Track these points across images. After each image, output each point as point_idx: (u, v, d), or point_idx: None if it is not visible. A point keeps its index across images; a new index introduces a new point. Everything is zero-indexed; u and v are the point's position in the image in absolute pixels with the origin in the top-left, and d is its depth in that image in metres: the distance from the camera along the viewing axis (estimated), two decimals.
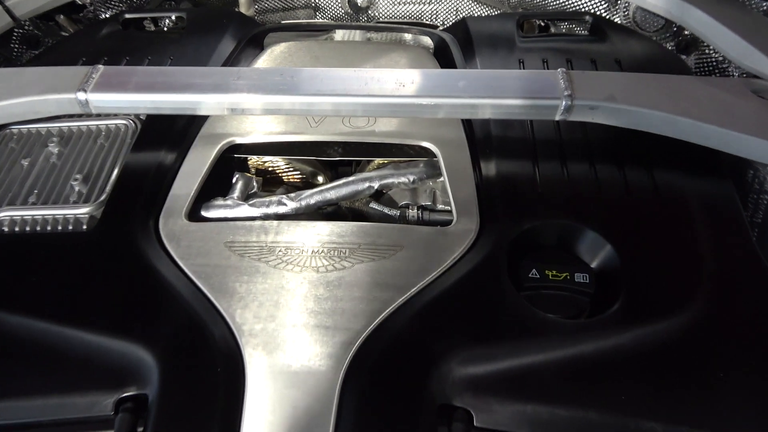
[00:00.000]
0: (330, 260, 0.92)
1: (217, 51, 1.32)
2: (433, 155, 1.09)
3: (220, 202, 1.05)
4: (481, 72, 1.07)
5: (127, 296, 0.90)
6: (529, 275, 0.92)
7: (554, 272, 0.92)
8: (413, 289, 0.89)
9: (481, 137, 1.11)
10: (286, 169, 1.18)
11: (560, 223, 0.96)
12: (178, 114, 1.08)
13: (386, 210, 1.06)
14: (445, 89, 1.04)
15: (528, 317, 0.86)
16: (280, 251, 0.94)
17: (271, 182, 1.19)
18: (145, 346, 0.84)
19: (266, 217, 1.03)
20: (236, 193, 1.07)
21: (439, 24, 1.90)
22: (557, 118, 1.03)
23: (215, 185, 1.09)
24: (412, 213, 1.05)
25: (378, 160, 1.15)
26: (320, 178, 1.20)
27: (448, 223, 1.00)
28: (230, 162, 1.14)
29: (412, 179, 1.08)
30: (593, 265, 0.94)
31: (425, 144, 1.10)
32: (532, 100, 1.02)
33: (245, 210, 1.03)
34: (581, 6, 1.56)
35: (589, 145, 1.09)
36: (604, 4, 1.53)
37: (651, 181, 1.02)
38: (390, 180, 1.07)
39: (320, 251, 0.94)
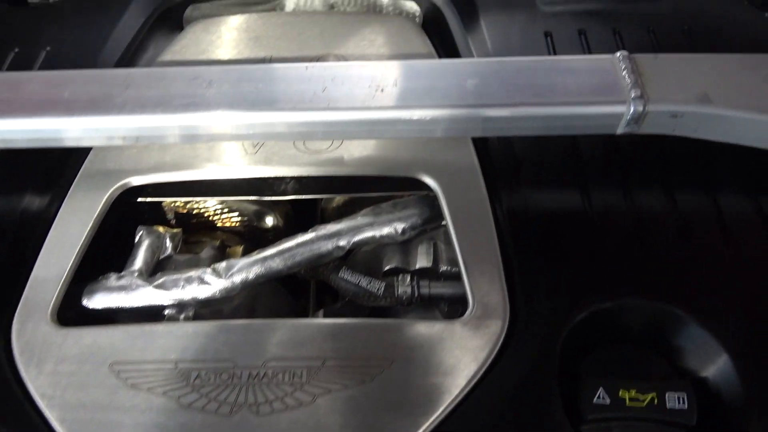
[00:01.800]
0: (278, 391, 0.58)
1: (116, 33, 0.92)
2: (431, 191, 0.73)
3: (111, 281, 0.69)
4: (499, 63, 0.70)
5: None
6: (594, 400, 0.58)
7: (633, 392, 0.58)
8: None
9: (502, 162, 0.75)
10: (218, 211, 0.82)
11: (643, 307, 0.62)
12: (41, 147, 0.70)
13: (364, 283, 0.71)
14: (446, 93, 0.67)
15: None
16: (196, 378, 0.59)
17: (197, 229, 0.83)
18: None
19: (180, 307, 0.68)
20: (138, 264, 0.71)
21: None
22: (620, 131, 0.67)
23: (107, 248, 0.73)
24: (404, 287, 0.70)
25: (340, 197, 0.79)
26: (269, 220, 0.84)
27: (459, 300, 0.66)
28: (132, 210, 0.78)
29: (401, 229, 0.72)
30: (693, 374, 0.60)
31: (419, 176, 0.73)
32: (580, 107, 0.66)
33: (148, 295, 0.68)
34: None
35: (668, 170, 0.73)
36: None
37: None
38: (368, 234, 0.71)
39: (261, 375, 0.59)
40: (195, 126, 0.67)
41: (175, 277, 0.68)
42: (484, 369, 0.59)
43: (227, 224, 0.83)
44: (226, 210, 0.82)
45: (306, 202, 0.86)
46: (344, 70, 0.69)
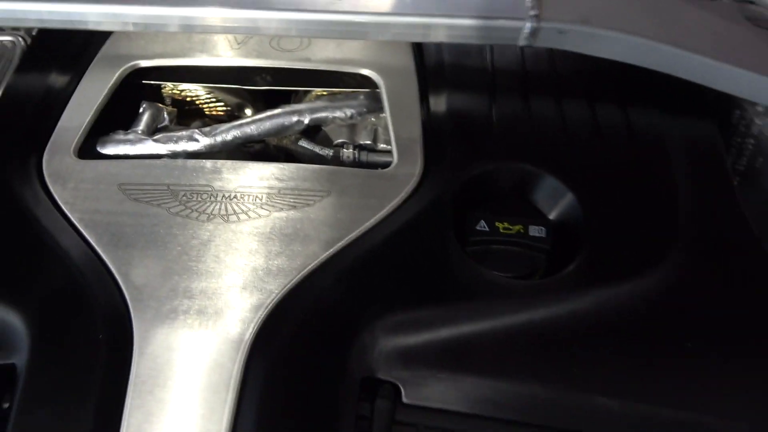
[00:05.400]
0: (242, 207, 0.78)
1: None
2: (376, 86, 0.93)
3: (119, 136, 0.89)
4: None
5: None
6: (477, 227, 0.79)
7: (506, 224, 0.79)
8: (340, 243, 0.75)
9: (433, 65, 0.95)
10: (207, 100, 1.02)
11: (515, 167, 0.82)
12: (68, 29, 0.90)
13: (317, 149, 0.91)
14: (389, 4, 0.87)
15: (472, 277, 0.73)
16: (183, 195, 0.79)
17: (189, 115, 1.02)
18: (12, 306, 0.70)
19: (174, 156, 0.88)
20: (141, 126, 0.91)
21: None
22: (521, 43, 0.87)
23: (117, 117, 0.93)
24: (348, 153, 0.90)
25: (316, 91, 0.99)
26: (248, 111, 1.04)
27: (387, 165, 0.85)
28: (138, 90, 0.97)
29: (350, 114, 0.92)
30: (552, 216, 0.81)
31: (366, 72, 0.94)
32: (489, 20, 0.86)
33: (149, 146, 0.87)
34: None
35: (558, 77, 0.94)
36: None
37: (625, 120, 0.88)
38: (323, 114, 0.91)
39: (231, 196, 0.79)
40: (193, 17, 0.86)
41: (170, 134, 0.88)
42: (398, 203, 0.79)
43: (214, 112, 1.03)
44: (214, 99, 1.01)
45: (280, 98, 1.05)
46: None
